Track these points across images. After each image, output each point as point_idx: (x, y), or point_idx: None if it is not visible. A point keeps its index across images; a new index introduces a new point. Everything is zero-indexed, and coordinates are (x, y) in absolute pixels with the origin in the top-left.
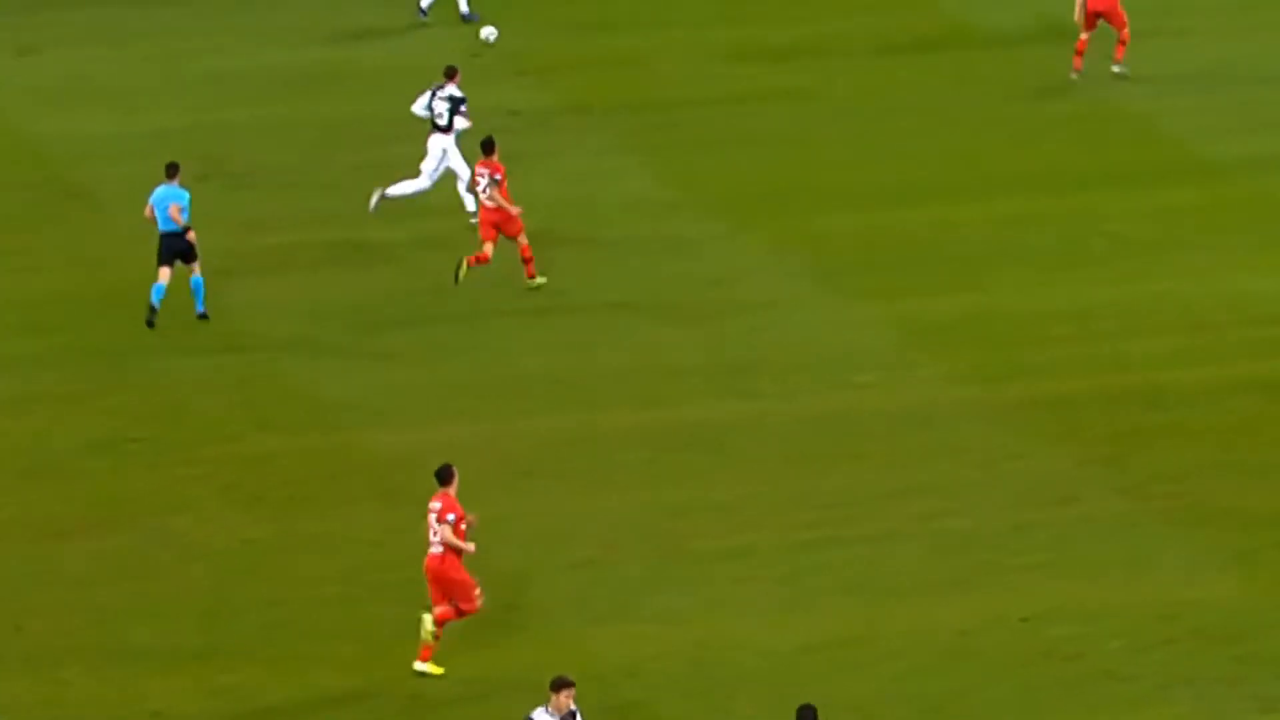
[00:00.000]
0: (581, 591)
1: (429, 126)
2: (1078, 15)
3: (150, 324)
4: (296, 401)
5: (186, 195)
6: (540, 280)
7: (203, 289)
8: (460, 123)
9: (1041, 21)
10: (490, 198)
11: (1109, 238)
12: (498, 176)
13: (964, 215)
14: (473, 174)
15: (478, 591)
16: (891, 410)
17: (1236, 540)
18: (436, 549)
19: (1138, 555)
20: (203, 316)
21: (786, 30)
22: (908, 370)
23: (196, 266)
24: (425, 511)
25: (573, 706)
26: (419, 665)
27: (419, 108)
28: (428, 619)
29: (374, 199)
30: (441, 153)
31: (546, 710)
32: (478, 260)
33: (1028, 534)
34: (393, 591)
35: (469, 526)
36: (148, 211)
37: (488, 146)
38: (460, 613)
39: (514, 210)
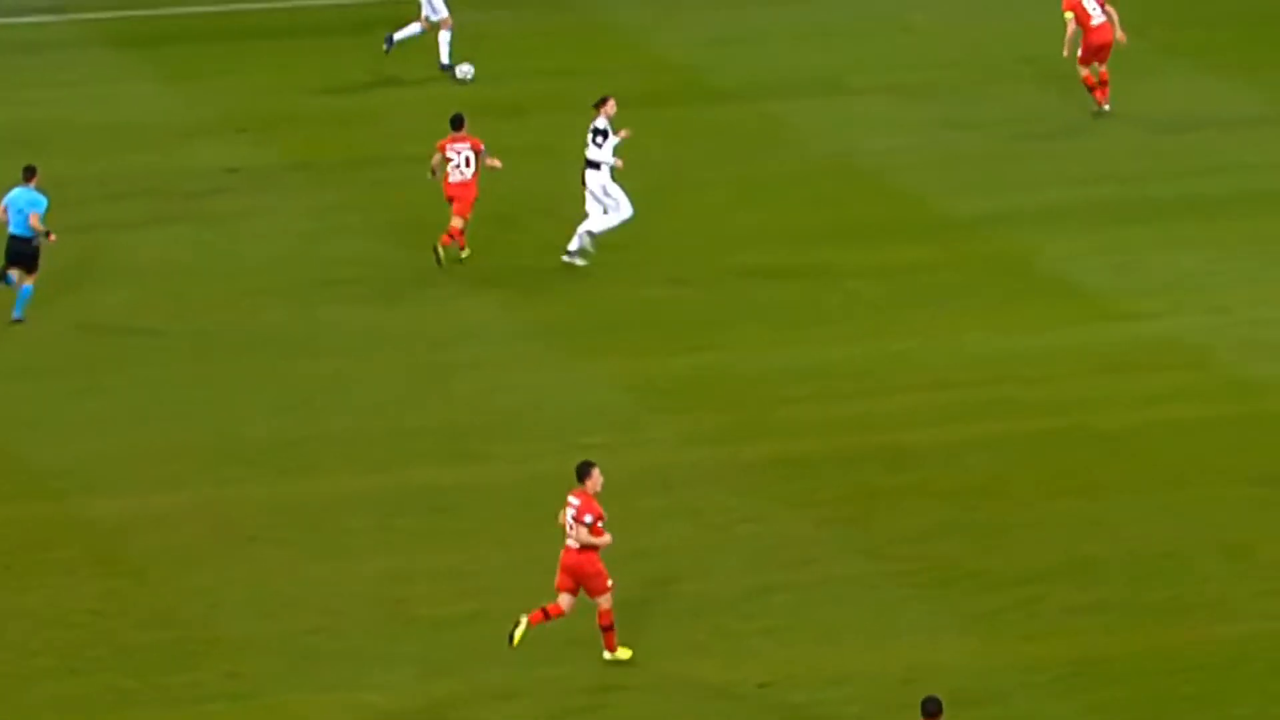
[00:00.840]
0: (306, 660)
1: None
2: (1067, 51)
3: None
4: (7, 468)
5: (45, 202)
6: (467, 252)
7: (27, 299)
8: (593, 153)
9: (772, 77)
10: (460, 171)
11: (846, 295)
12: (480, 150)
13: (697, 272)
14: (440, 153)
15: (610, 584)
16: (624, 472)
17: (978, 601)
18: (574, 543)
19: (878, 618)
20: (18, 320)
21: (516, 87)
22: (641, 431)
23: (32, 278)
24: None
25: None
26: (608, 654)
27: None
28: (523, 620)
29: (577, 259)
30: (601, 188)
31: None
32: (451, 238)
33: (765, 597)
34: (112, 661)
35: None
36: (0, 213)
37: (457, 123)
38: (548, 615)
39: (497, 164)
